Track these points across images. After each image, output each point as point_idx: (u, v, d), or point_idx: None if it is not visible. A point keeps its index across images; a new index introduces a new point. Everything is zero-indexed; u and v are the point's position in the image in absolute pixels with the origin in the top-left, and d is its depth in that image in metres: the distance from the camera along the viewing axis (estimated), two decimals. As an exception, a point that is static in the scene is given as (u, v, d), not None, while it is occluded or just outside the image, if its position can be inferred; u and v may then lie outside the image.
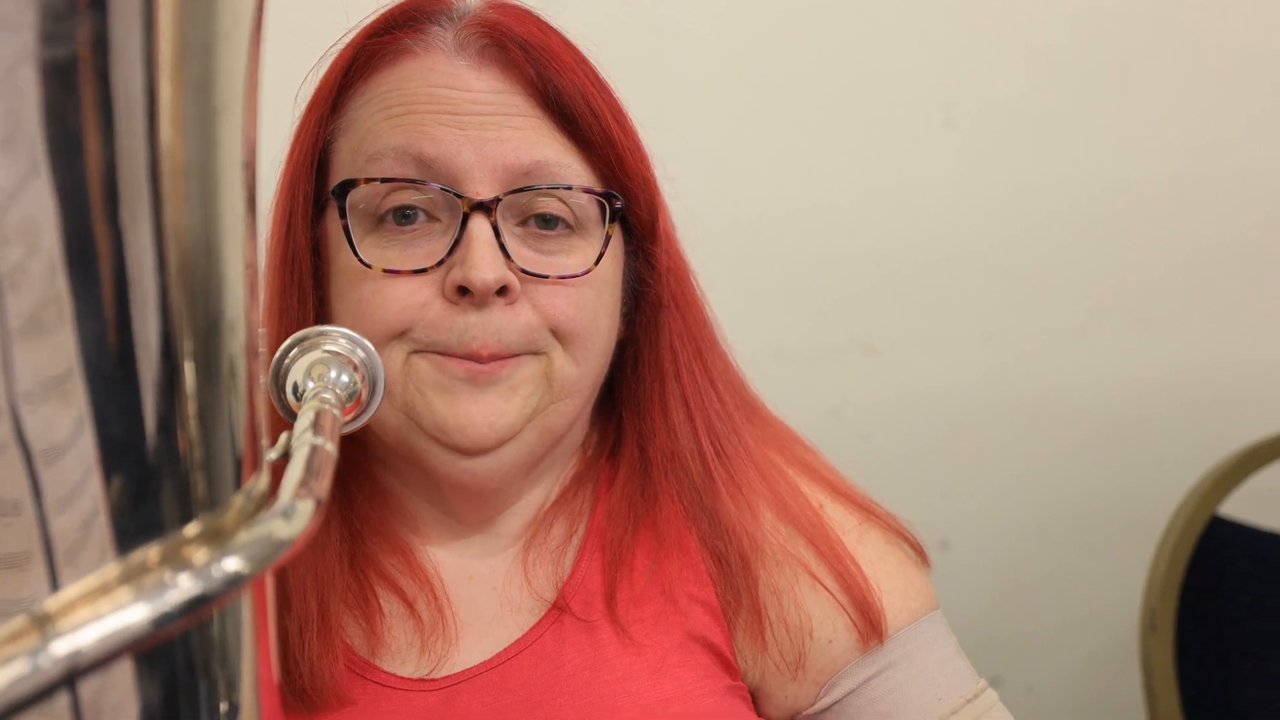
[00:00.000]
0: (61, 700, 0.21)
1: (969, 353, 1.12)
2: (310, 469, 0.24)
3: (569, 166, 0.44)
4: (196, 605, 0.21)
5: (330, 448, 0.25)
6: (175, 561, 0.21)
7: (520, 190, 0.43)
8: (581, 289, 0.45)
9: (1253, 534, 0.84)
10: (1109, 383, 1.13)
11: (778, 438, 0.53)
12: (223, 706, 0.26)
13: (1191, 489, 0.84)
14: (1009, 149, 1.13)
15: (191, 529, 0.22)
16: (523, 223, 0.45)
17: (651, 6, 1.04)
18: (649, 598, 0.47)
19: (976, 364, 1.12)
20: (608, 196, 0.45)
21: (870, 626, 0.46)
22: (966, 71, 1.11)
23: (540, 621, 0.47)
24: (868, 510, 0.51)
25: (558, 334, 0.45)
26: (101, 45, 0.18)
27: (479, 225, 0.41)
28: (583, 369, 0.46)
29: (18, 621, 0.20)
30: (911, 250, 1.10)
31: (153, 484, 0.22)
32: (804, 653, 0.46)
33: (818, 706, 0.48)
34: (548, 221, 0.45)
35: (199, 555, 0.22)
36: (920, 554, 0.52)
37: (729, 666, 0.47)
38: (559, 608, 0.47)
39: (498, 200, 0.43)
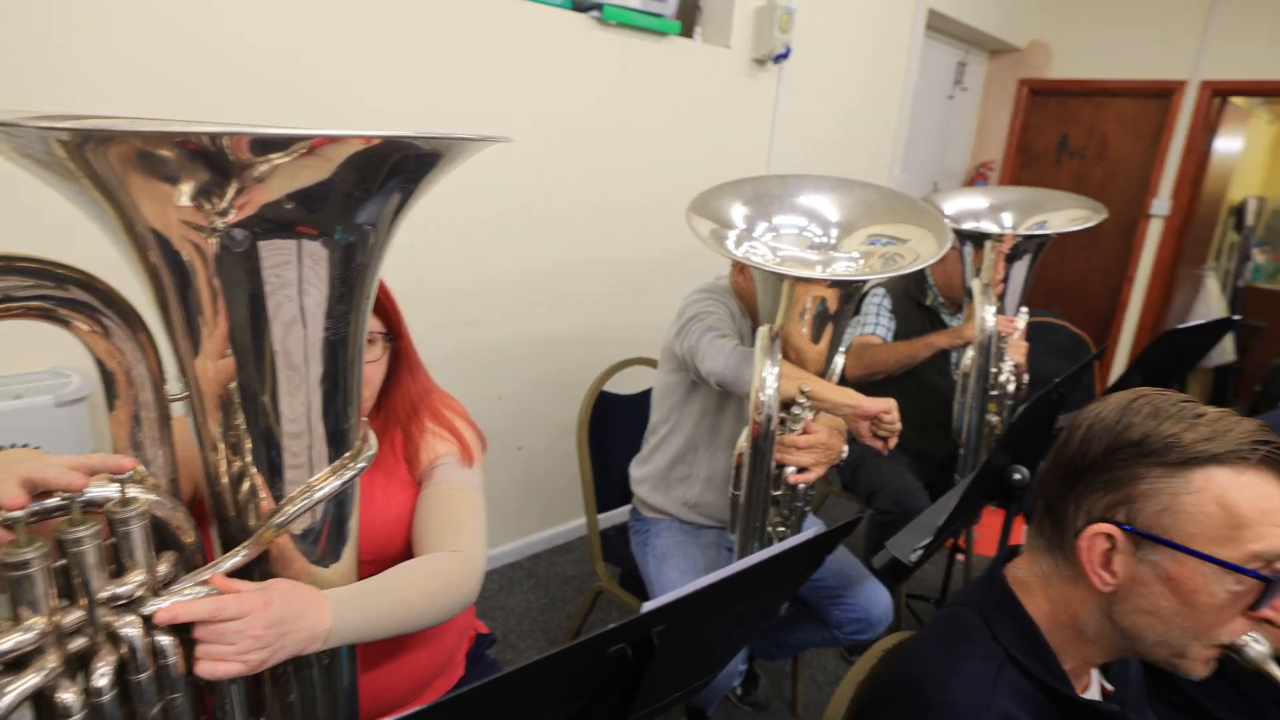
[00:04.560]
0: (316, 508, 0.70)
1: (508, 327, 2.25)
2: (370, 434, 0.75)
3: (376, 325, 0.98)
4: (352, 479, 0.71)
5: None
6: (343, 467, 0.71)
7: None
8: (378, 363, 0.99)
9: (611, 395, 1.84)
10: (570, 339, 2.41)
11: (441, 398, 1.11)
12: (354, 515, 0.75)
13: (596, 378, 1.83)
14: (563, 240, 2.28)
15: (346, 455, 0.72)
16: (367, 343, 0.89)
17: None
18: (392, 460, 1.04)
19: (513, 332, 2.26)
20: (386, 334, 1.00)
21: (466, 456, 1.05)
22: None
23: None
24: (467, 419, 1.11)
25: (368, 379, 0.98)
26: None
27: None
28: (375, 387, 1.01)
29: (303, 487, 0.69)
30: (490, 279, 2.16)
31: (336, 441, 0.70)
32: (433, 463, 1.03)
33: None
34: (370, 341, 0.96)
35: (350, 464, 0.71)
36: (483, 439, 1.13)
37: (414, 482, 1.04)
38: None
39: None
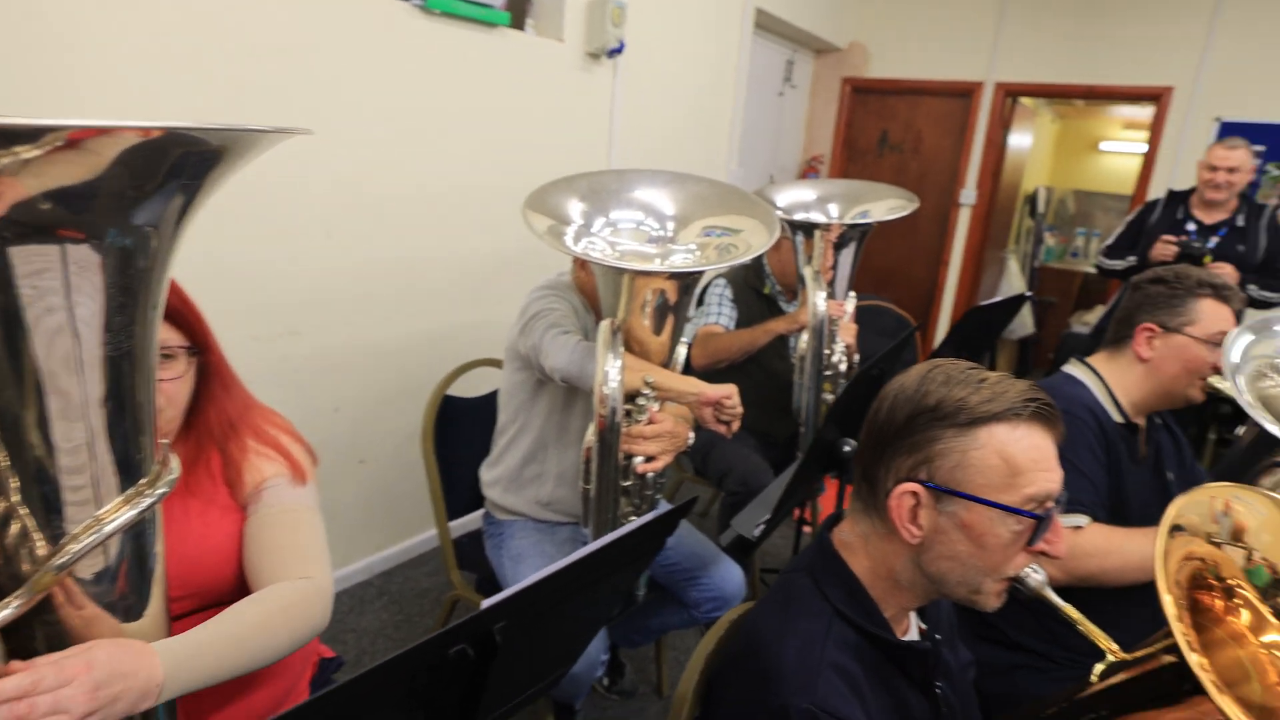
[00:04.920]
0: (108, 545, 0.63)
1: (340, 334, 2.13)
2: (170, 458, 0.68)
3: (176, 338, 0.90)
4: (150, 508, 0.65)
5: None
6: (138, 495, 0.64)
7: (164, 350, 0.89)
8: (182, 379, 0.92)
9: (456, 398, 1.80)
10: (409, 343, 2.32)
11: (262, 414, 1.04)
12: (156, 546, 0.68)
13: (439, 382, 1.77)
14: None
15: (142, 481, 0.65)
16: (165, 358, 0.90)
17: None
18: (210, 485, 0.96)
19: (346, 339, 2.14)
20: (189, 348, 0.92)
21: (297, 475, 0.99)
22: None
23: None
24: (293, 435, 1.05)
25: (171, 397, 0.91)
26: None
27: None
28: (181, 405, 0.93)
29: (90, 520, 0.62)
30: (316, 284, 2.02)
31: (128, 469, 0.64)
32: (260, 485, 0.97)
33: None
34: (169, 355, 0.90)
35: (147, 491, 0.65)
36: (312, 454, 1.06)
37: (239, 507, 0.97)
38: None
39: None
